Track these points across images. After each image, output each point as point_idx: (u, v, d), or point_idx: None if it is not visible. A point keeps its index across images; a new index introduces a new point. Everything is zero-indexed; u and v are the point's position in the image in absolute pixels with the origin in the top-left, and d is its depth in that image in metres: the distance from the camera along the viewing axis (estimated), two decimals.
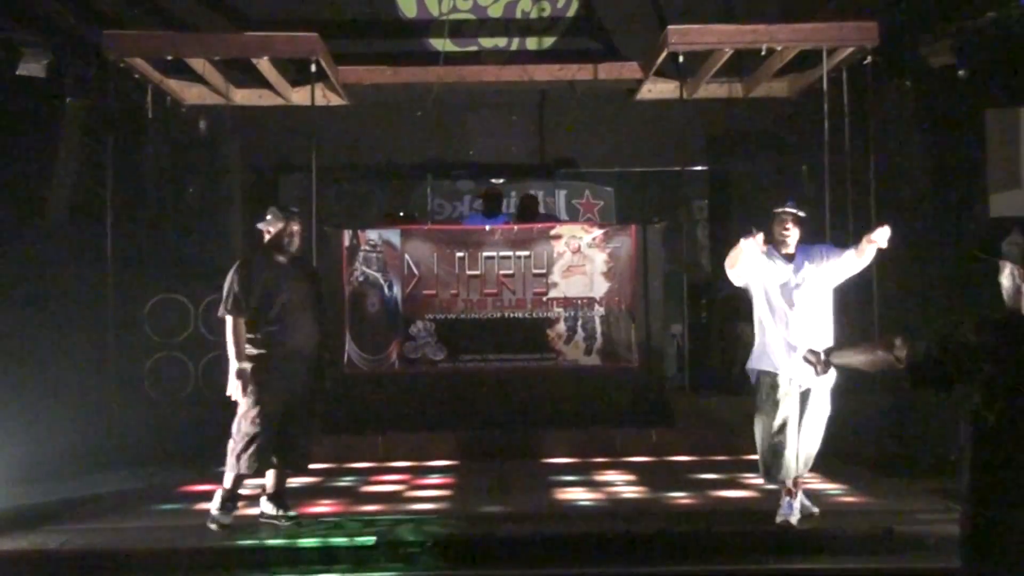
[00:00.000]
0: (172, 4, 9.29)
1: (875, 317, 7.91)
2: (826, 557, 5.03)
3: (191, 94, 9.31)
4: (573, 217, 10.08)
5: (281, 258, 5.58)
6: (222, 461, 5.46)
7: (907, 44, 8.03)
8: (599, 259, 8.24)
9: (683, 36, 8.01)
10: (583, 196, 10.29)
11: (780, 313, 5.35)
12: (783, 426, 5.22)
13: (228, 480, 5.43)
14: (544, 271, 8.23)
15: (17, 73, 7.79)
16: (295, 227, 5.57)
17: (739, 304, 6.06)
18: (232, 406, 5.39)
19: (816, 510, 5.51)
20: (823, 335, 5.24)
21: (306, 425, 5.63)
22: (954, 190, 7.94)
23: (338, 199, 10.22)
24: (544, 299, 8.21)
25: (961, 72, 7.72)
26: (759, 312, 5.46)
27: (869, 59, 7.98)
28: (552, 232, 8.33)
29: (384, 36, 9.97)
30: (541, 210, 9.90)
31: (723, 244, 8.13)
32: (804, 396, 5.33)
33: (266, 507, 5.58)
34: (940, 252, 7.99)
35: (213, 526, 5.37)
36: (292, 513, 5.56)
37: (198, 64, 8.53)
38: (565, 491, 6.48)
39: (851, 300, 7.85)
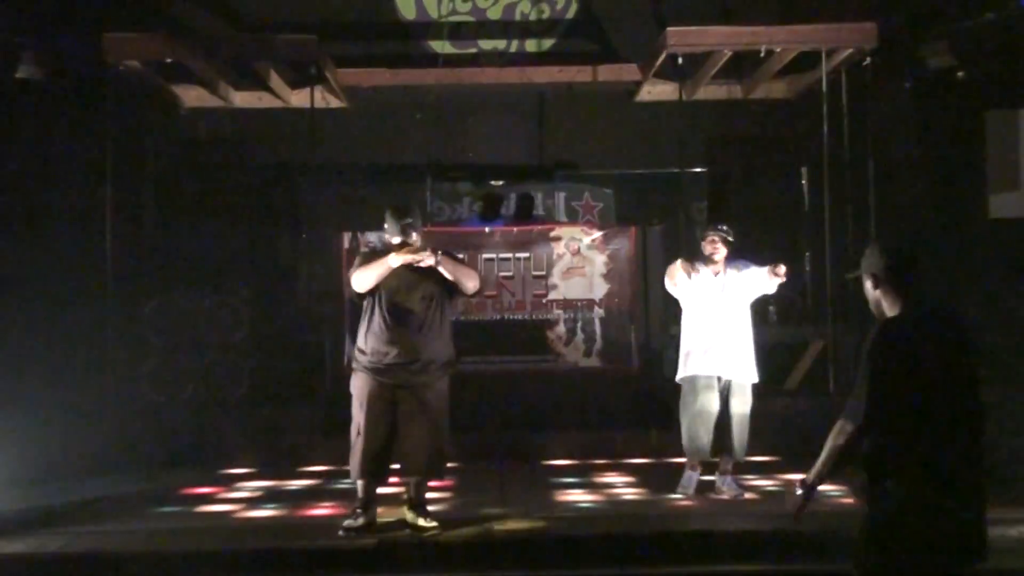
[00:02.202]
0: (172, 7, 9.30)
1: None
2: (826, 557, 5.02)
3: (190, 96, 9.32)
4: (572, 219, 10.07)
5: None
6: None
7: (906, 45, 8.04)
8: (599, 261, 8.24)
9: (682, 38, 8.01)
10: (582, 198, 10.27)
11: (705, 321, 6.05)
12: (701, 413, 6.00)
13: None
14: (544, 273, 8.22)
15: (17, 75, 7.81)
16: (414, 239, 5.45)
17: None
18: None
19: (746, 495, 6.09)
20: (743, 341, 6.04)
21: (426, 429, 5.29)
22: (954, 191, 7.95)
23: (337, 201, 10.20)
24: (544, 301, 8.21)
25: (960, 73, 7.73)
26: (687, 319, 6.18)
27: (868, 60, 8.00)
28: (552, 234, 8.33)
29: (383, 38, 9.99)
30: (540, 211, 9.92)
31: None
32: (727, 389, 6.05)
33: (407, 515, 5.42)
34: (939, 253, 7.99)
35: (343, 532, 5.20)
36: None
37: (197, 67, 8.53)
38: (565, 493, 6.49)
39: (850, 300, 7.88)
